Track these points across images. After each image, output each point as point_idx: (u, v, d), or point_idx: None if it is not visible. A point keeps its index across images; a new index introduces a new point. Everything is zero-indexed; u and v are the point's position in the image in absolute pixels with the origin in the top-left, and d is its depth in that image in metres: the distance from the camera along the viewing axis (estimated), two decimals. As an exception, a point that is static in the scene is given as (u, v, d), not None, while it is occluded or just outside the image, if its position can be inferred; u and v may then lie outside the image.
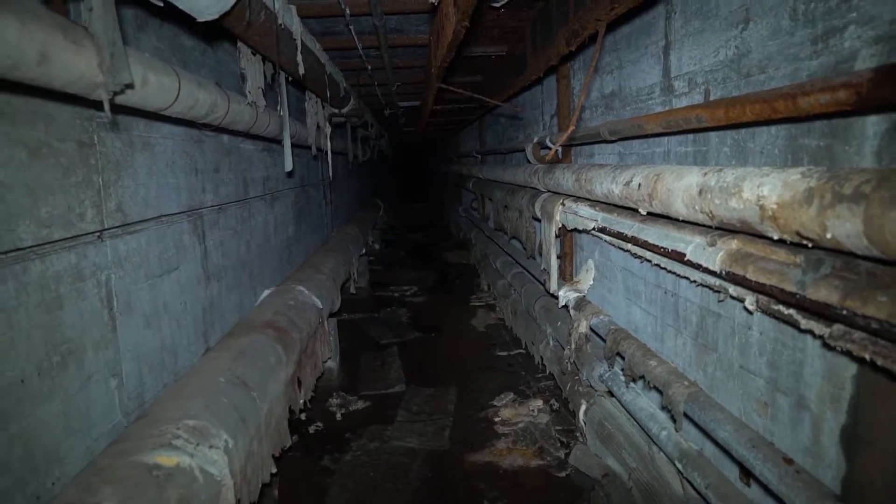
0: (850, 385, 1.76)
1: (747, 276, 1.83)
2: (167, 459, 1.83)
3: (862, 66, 1.62)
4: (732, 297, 2.16)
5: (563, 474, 3.61)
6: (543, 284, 4.56)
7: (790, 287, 1.62)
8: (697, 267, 2.21)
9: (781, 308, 1.84)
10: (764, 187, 1.62)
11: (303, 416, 4.41)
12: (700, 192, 1.98)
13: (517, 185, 5.57)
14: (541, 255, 4.53)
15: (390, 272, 10.69)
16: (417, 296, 8.85)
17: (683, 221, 2.30)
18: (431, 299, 8.64)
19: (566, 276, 4.64)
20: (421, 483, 3.65)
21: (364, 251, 9.18)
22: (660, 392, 2.62)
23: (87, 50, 1.80)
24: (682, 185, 2.12)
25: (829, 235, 1.40)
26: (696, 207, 2.03)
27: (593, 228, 3.37)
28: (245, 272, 4.77)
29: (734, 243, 2.00)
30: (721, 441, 2.13)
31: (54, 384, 2.29)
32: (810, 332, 1.71)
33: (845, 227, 1.34)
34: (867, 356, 1.44)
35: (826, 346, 1.67)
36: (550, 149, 4.27)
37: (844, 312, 1.44)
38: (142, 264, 3.06)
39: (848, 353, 1.53)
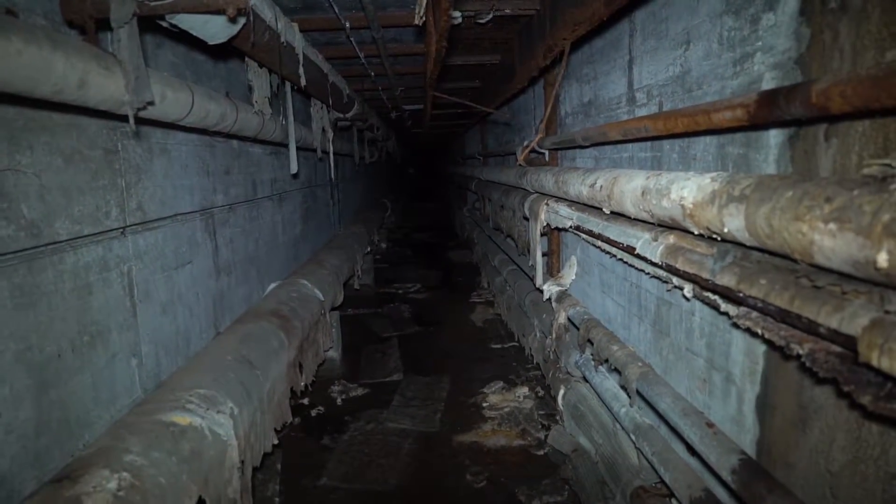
0: (762, 360, 2.06)
1: (678, 266, 2.14)
2: (181, 419, 2.15)
3: (766, 86, 1.93)
4: (675, 287, 2.46)
5: (541, 452, 3.93)
6: (532, 280, 4.87)
7: (706, 275, 1.93)
8: (645, 260, 2.51)
9: (708, 294, 2.14)
10: (685, 190, 1.92)
11: (305, 401, 4.75)
12: (643, 194, 2.29)
13: (511, 186, 5.87)
14: (529, 252, 4.83)
15: (395, 270, 11.02)
16: (420, 293, 9.18)
17: (636, 219, 2.60)
18: (434, 296, 8.97)
19: (553, 272, 4.95)
20: (411, 459, 3.98)
21: (370, 250, 9.51)
22: (619, 373, 2.92)
23: (116, 74, 2.14)
24: (631, 188, 2.42)
25: (726, 230, 1.70)
26: (641, 207, 2.33)
27: (570, 226, 3.68)
28: (253, 267, 5.11)
29: (671, 238, 2.30)
30: (661, 412, 2.43)
31: (85, 360, 2.63)
32: (727, 314, 2.01)
33: (734, 223, 1.64)
34: (759, 331, 1.74)
35: (736, 325, 1.96)
36: (537, 153, 4.58)
37: (741, 294, 1.74)
38: (159, 257, 3.40)
39: (749, 330, 1.83)
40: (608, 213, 2.94)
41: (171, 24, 2.33)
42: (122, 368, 2.94)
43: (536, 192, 4.63)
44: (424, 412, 4.64)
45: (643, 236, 2.56)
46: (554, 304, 4.17)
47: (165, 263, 3.48)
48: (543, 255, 4.66)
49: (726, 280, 1.81)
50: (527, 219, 4.95)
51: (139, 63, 2.18)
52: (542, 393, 4.79)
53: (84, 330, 2.64)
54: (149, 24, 2.51)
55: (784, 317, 1.56)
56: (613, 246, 3.00)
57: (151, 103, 2.36)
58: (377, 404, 4.86)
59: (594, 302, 4.00)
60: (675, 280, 2.44)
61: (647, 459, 2.71)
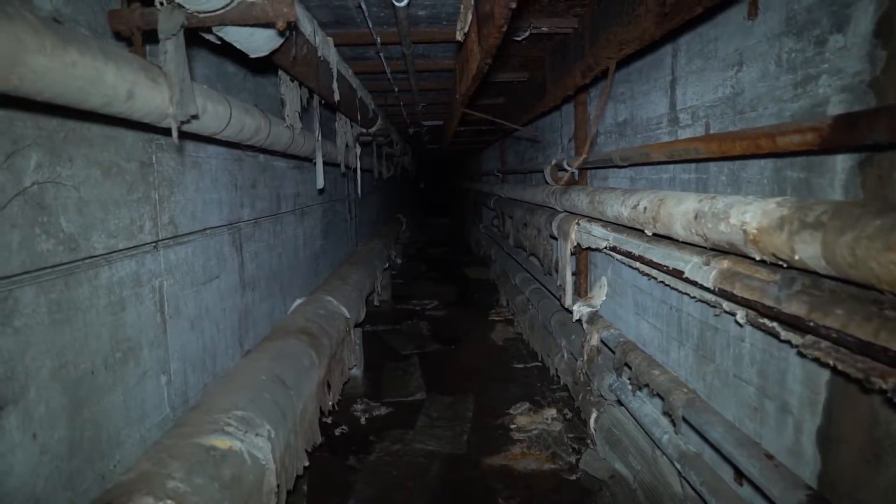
0: (824, 390, 1.98)
1: (735, 292, 2.07)
2: (221, 443, 2.09)
3: (833, 110, 1.87)
4: (726, 312, 2.39)
5: (573, 477, 3.83)
6: (559, 300, 4.79)
7: (770, 302, 1.86)
8: (695, 284, 2.44)
9: (765, 321, 2.07)
10: (747, 214, 1.85)
11: (329, 420, 4.68)
12: (696, 217, 2.22)
13: (536, 205, 5.82)
14: (557, 271, 4.77)
15: (412, 286, 10.96)
16: (438, 309, 9.11)
17: (683, 242, 2.53)
18: (451, 313, 8.89)
19: (581, 292, 4.87)
20: (440, 482, 3.89)
21: (387, 265, 9.47)
22: (662, 399, 2.84)
23: (162, 86, 2.10)
24: (681, 210, 2.36)
25: (797, 257, 1.64)
26: (693, 230, 2.27)
27: (605, 247, 3.61)
28: (276, 283, 5.07)
29: (725, 263, 2.23)
30: (713, 441, 2.35)
31: (117, 377, 2.58)
32: (788, 342, 1.94)
33: (808, 251, 1.57)
34: (831, 362, 1.67)
35: (801, 354, 1.89)
36: (567, 171, 4.53)
37: (811, 324, 1.67)
38: (189, 272, 3.36)
39: (817, 360, 1.75)
40: (650, 234, 2.88)
41: (217, 37, 2.30)
42: (153, 386, 2.89)
43: (566, 212, 4.57)
44: (451, 433, 4.56)
45: (692, 260, 2.49)
46: (585, 326, 4.09)
47: (195, 278, 3.44)
48: (572, 274, 4.59)
49: (794, 308, 1.74)
50: (554, 238, 4.89)
51: (185, 75, 2.15)
52: (570, 415, 4.70)
53: (117, 347, 2.59)
54: (190, 36, 2.48)
55: (865, 349, 1.48)
56: (655, 268, 2.93)
57: (196, 117, 2.32)
58: (401, 424, 4.78)
59: (627, 324, 3.92)
60: (726, 305, 2.36)
61: (693, 489, 2.62)
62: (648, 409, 3.18)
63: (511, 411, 4.89)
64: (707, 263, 2.35)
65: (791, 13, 2.05)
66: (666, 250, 2.76)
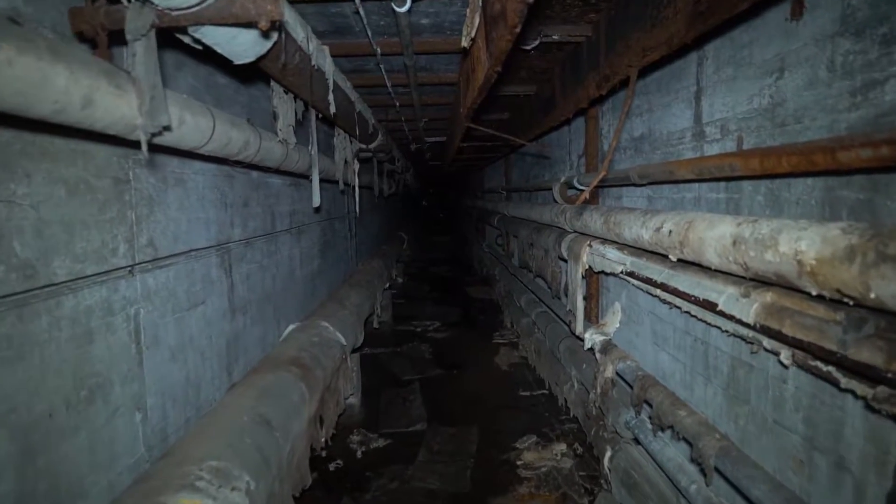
0: None
1: (783, 330, 1.79)
2: (190, 502, 1.81)
3: (904, 121, 1.60)
4: (766, 350, 2.11)
5: (587, 524, 3.53)
6: (568, 325, 4.51)
7: (830, 345, 1.58)
8: (730, 318, 2.17)
9: (819, 364, 1.79)
10: (802, 242, 1.58)
11: (323, 453, 4.36)
12: (734, 243, 1.95)
13: (543, 224, 5.55)
14: (566, 295, 4.49)
15: (413, 306, 10.67)
16: (440, 331, 8.81)
17: (715, 270, 2.26)
18: (454, 335, 8.59)
19: (592, 318, 4.59)
20: (441, 528, 3.59)
21: (388, 285, 9.19)
22: (689, 443, 2.55)
23: (129, 94, 1.84)
24: (715, 235, 2.09)
25: (872, 295, 1.36)
26: (730, 258, 2.00)
27: (621, 272, 3.34)
28: (269, 305, 4.79)
29: (769, 296, 1.96)
30: (755, 500, 2.06)
31: (81, 418, 2.30)
32: (851, 391, 1.65)
33: (891, 289, 1.30)
34: (914, 421, 1.39)
35: (870, 407, 1.61)
36: (580, 190, 4.27)
37: (889, 375, 1.39)
38: (170, 298, 3.09)
39: (894, 417, 1.47)
40: (674, 260, 2.61)
41: (195, 39, 2.04)
42: (125, 425, 2.61)
43: (576, 232, 4.31)
44: (454, 469, 4.25)
45: (727, 291, 2.22)
46: (598, 356, 3.80)
47: (177, 305, 3.17)
48: (583, 299, 4.31)
49: (865, 355, 1.46)
50: (563, 259, 4.62)
51: (156, 82, 1.89)
52: (581, 451, 4.39)
53: (81, 384, 2.31)
54: (169, 40, 2.23)
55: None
56: (680, 298, 2.65)
57: (168, 128, 2.06)
58: (400, 458, 4.47)
59: (644, 355, 3.63)
60: (767, 343, 2.08)
61: (728, 552, 2.32)
62: (671, 452, 2.88)
63: (518, 445, 4.58)
64: (746, 295, 2.07)
65: (848, 10, 1.79)
66: (694, 278, 2.49)
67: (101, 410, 2.43)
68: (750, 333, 2.20)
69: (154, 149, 2.75)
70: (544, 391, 5.73)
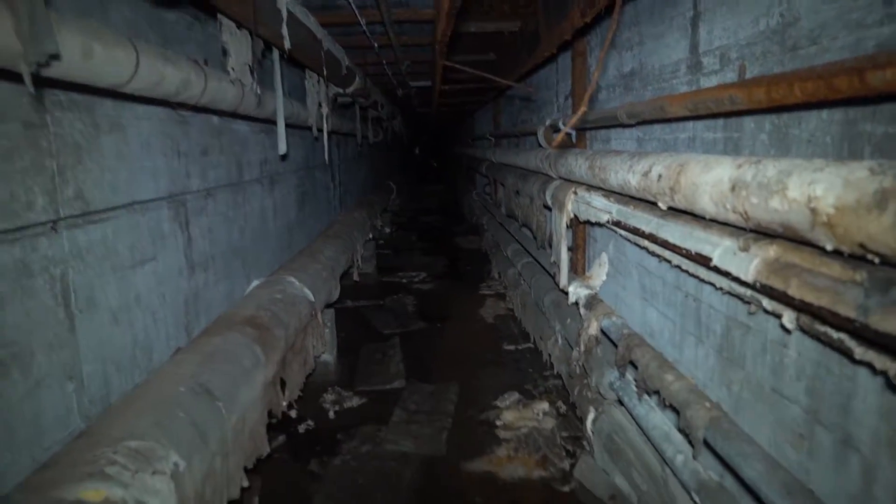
0: (914, 429, 1.44)
1: (789, 291, 1.51)
2: (94, 493, 1.55)
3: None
4: (767, 312, 1.84)
5: (566, 489, 3.32)
6: (554, 277, 4.25)
7: (847, 311, 1.30)
8: (726, 275, 1.89)
9: (829, 331, 1.52)
10: (817, 186, 1.29)
11: (293, 414, 4.16)
12: (733, 189, 1.66)
13: (529, 171, 5.24)
14: (551, 245, 4.21)
15: (399, 257, 10.40)
16: (426, 283, 8.56)
17: (711, 219, 1.97)
18: (440, 287, 8.34)
19: (578, 270, 4.32)
20: (412, 493, 3.37)
21: (372, 236, 8.89)
22: (676, 412, 2.30)
23: (3, 15, 1.51)
24: (711, 179, 1.79)
25: (908, 252, 1.08)
26: (727, 206, 1.71)
27: (607, 221, 3.05)
28: (237, 260, 4.50)
29: (773, 250, 1.67)
30: (748, 480, 1.82)
31: (-11, 395, 2.03)
32: (868, 364, 1.39)
33: (933, 244, 1.01)
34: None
35: (890, 384, 1.34)
36: (566, 133, 3.94)
37: (922, 350, 1.12)
38: (108, 256, 2.79)
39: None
40: (664, 208, 2.32)
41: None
42: (52, 397, 2.34)
43: (562, 179, 4.00)
44: (429, 430, 4.03)
45: (722, 243, 1.94)
46: (582, 311, 3.54)
47: (118, 262, 2.87)
48: (568, 250, 4.04)
49: (894, 325, 1.18)
50: (548, 208, 4.32)
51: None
52: (564, 409, 4.17)
53: (-12, 356, 2.04)
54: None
55: None
56: (671, 251, 2.37)
57: (56, 57, 1.73)
58: (375, 418, 4.25)
59: (631, 310, 3.38)
60: (768, 303, 1.81)
61: (717, 532, 2.10)
62: (658, 418, 2.64)
63: (498, 403, 4.36)
64: (745, 249, 1.79)
65: None
66: (686, 228, 2.21)
67: (18, 383, 2.16)
68: (748, 292, 1.93)
69: (75, 88, 2.42)
70: (529, 345, 5.50)
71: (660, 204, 2.30)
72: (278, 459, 3.68)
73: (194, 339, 2.96)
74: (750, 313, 2.02)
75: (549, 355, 4.55)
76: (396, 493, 3.36)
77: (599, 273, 3.83)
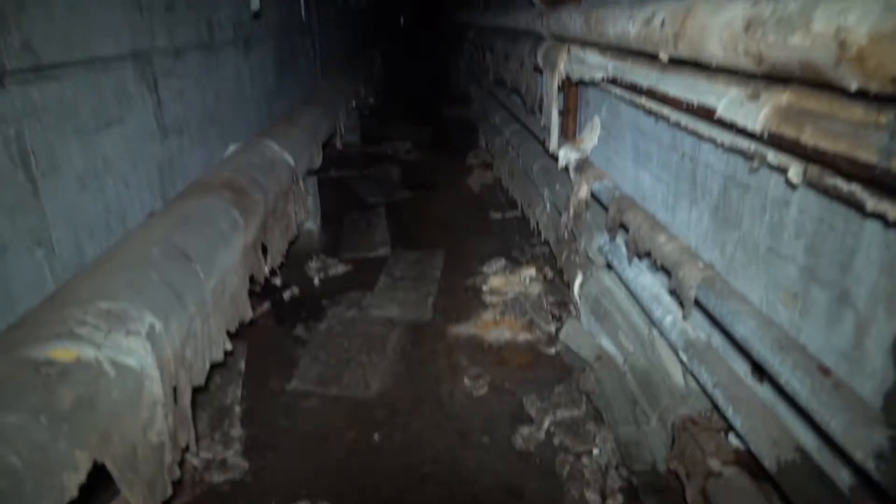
0: (919, 284, 1.38)
1: (802, 139, 1.39)
2: (64, 353, 1.49)
3: None
4: (771, 167, 1.73)
5: (552, 351, 3.37)
6: (543, 143, 4.10)
7: (867, 156, 1.19)
8: (730, 127, 1.76)
9: (839, 183, 1.42)
10: (849, 14, 1.14)
11: (277, 281, 4.13)
12: (747, 28, 1.49)
13: (519, 32, 4.93)
14: (541, 110, 4.03)
15: (384, 127, 10.09)
16: (411, 152, 8.36)
17: (716, 69, 1.81)
18: (426, 156, 8.16)
19: (568, 134, 4.16)
20: (398, 357, 3.42)
21: (355, 104, 8.56)
22: (668, 273, 2.26)
23: None
24: (723, 20, 1.62)
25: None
26: (740, 48, 1.55)
27: (602, 78, 2.87)
28: (214, 126, 4.28)
29: (785, 97, 1.53)
30: (739, 338, 1.79)
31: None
32: (880, 215, 1.30)
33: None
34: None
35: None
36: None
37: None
38: (68, 116, 2.59)
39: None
40: (665, 60, 2.14)
41: None
42: (21, 263, 2.25)
43: (554, 38, 3.74)
44: (415, 296, 4.03)
45: (729, 93, 1.79)
46: (572, 175, 3.43)
47: (80, 124, 2.68)
48: (559, 113, 3.86)
49: (919, 170, 1.08)
50: (539, 70, 4.09)
51: None
52: (551, 275, 4.17)
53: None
54: None
55: None
56: (670, 105, 2.23)
57: None
58: (360, 285, 4.24)
59: (624, 174, 3.26)
60: (773, 156, 1.70)
61: (704, 390, 2.11)
62: (647, 280, 2.61)
63: (485, 269, 4.35)
64: (755, 97, 1.65)
65: None
66: (689, 80, 2.05)
67: (-20, 248, 2.06)
68: (752, 147, 1.82)
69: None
70: (516, 213, 5.44)
71: (661, 55, 2.12)
72: (263, 325, 3.69)
73: (168, 203, 2.84)
74: (752, 171, 1.91)
75: (537, 223, 4.49)
76: (382, 357, 3.40)
77: (591, 137, 3.68)
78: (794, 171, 1.60)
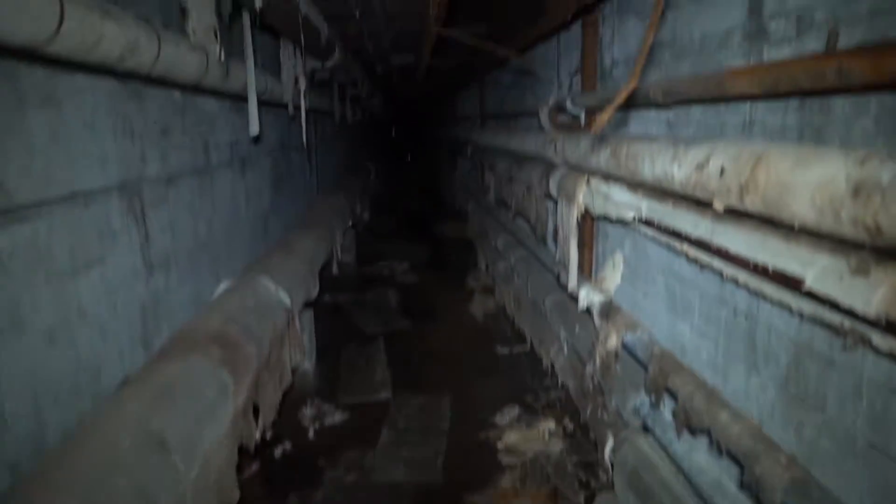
0: None
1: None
2: None
3: None
4: (875, 351, 1.42)
5: (585, 530, 2.92)
6: (557, 276, 3.82)
7: None
8: (825, 302, 1.46)
9: None
10: None
11: (267, 436, 3.69)
12: (855, 192, 1.23)
13: (526, 156, 4.78)
14: (554, 241, 3.78)
15: (380, 244, 9.90)
16: (408, 273, 8.09)
17: (798, 229, 1.53)
18: (424, 278, 7.88)
19: (584, 269, 3.88)
20: (408, 536, 2.96)
21: (351, 223, 8.39)
22: (736, 461, 1.89)
23: None
24: (814, 178, 1.36)
25: None
26: (844, 215, 1.27)
27: (634, 219, 2.62)
28: (205, 256, 3.98)
29: (909, 276, 1.25)
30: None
31: None
32: None
33: None
34: None
35: None
36: (575, 115, 3.50)
37: None
38: (40, 261, 2.28)
39: None
40: (720, 210, 1.87)
41: None
42: (-42, 448, 1.86)
43: (568, 166, 3.56)
44: (422, 453, 3.58)
45: (819, 261, 1.50)
46: (597, 320, 3.12)
47: (54, 268, 2.36)
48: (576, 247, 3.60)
49: None
50: (551, 198, 3.88)
51: None
52: (572, 429, 3.76)
53: None
54: None
55: None
56: (730, 262, 1.94)
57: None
58: (361, 438, 3.79)
59: (656, 321, 2.95)
60: (881, 339, 1.39)
61: None
62: (703, 459, 2.23)
63: (498, 420, 3.93)
64: (862, 272, 1.36)
65: None
66: (755, 237, 1.77)
67: None
68: (846, 322, 1.51)
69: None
70: (525, 348, 5.07)
71: (715, 204, 1.86)
72: (250, 494, 3.22)
73: (147, 365, 2.48)
74: (845, 349, 1.60)
75: (552, 364, 4.12)
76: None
77: (614, 276, 3.40)
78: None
